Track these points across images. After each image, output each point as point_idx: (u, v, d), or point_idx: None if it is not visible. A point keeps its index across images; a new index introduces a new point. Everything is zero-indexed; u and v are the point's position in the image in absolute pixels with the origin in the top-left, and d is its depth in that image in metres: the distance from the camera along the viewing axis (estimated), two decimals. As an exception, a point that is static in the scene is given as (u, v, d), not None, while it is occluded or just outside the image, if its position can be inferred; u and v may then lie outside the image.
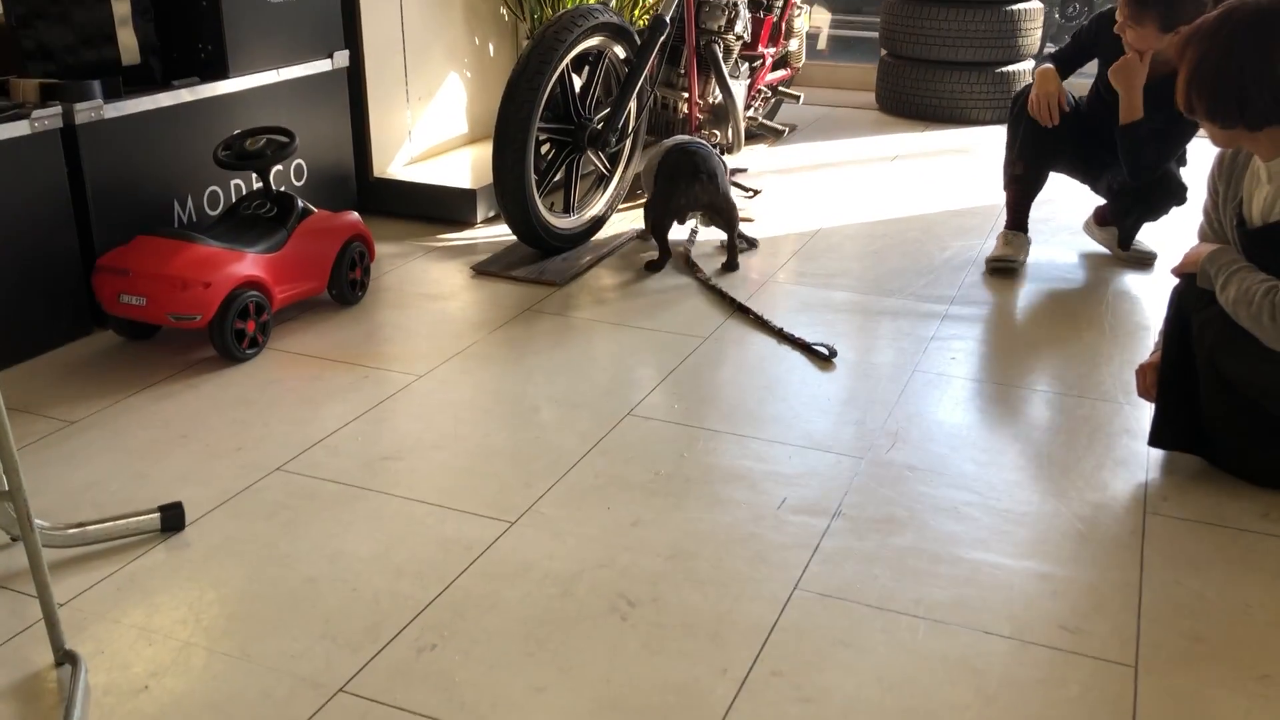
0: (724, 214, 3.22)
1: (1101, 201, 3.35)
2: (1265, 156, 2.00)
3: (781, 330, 2.77)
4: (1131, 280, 3.16)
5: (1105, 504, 2.05)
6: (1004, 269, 3.21)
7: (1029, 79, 3.39)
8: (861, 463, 2.19)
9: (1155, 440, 2.18)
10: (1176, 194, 3.12)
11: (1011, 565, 1.86)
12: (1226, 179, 2.12)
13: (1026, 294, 3.07)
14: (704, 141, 3.24)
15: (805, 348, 2.69)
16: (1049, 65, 3.14)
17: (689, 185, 3.15)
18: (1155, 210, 3.16)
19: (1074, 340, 2.75)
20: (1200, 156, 2.70)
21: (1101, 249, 3.37)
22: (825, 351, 2.65)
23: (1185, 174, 3.15)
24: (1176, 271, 2.17)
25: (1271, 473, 2.09)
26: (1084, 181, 3.33)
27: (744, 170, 3.31)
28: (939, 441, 2.27)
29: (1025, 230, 3.29)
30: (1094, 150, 3.17)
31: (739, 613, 1.74)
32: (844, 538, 1.94)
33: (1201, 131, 2.04)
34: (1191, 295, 2.11)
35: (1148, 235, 3.35)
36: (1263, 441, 2.07)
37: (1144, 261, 3.25)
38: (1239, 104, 1.93)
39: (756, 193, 3.91)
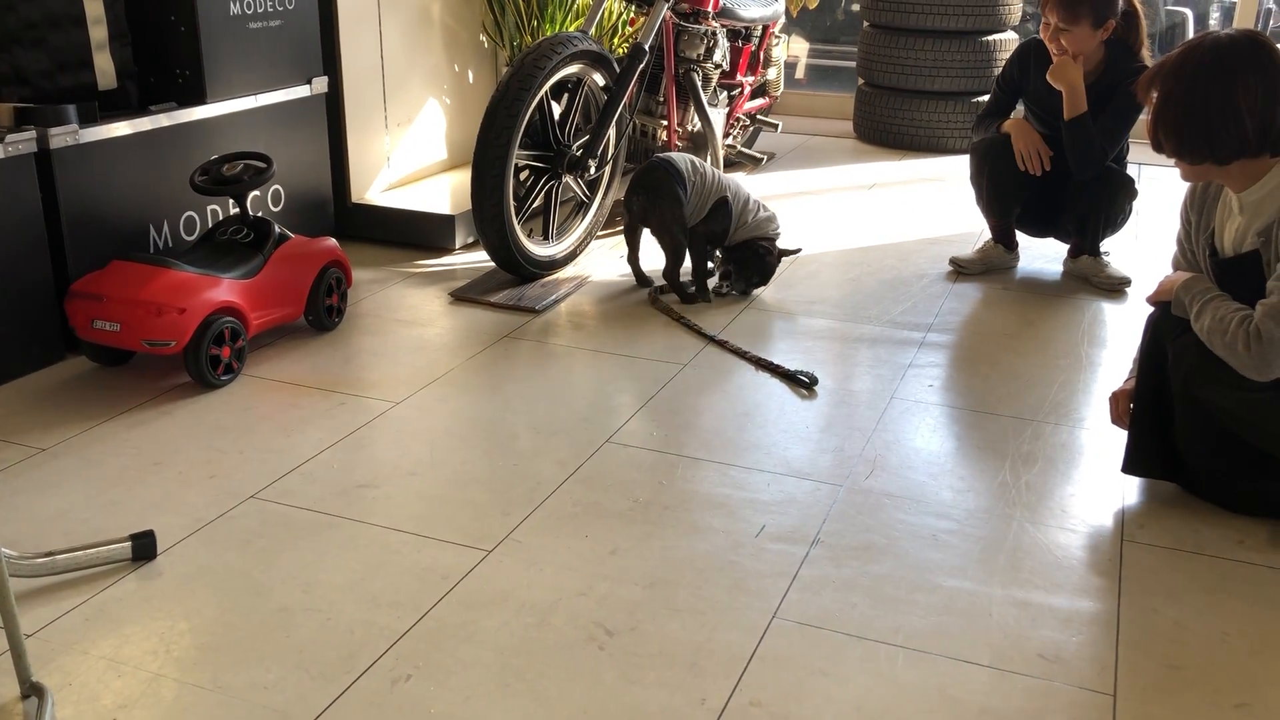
0: (661, 236, 3.15)
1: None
2: (1236, 188, 2.03)
3: (760, 359, 2.77)
4: (1108, 308, 3.19)
5: (1082, 532, 2.06)
6: (959, 269, 3.45)
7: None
8: (840, 490, 2.18)
9: (1128, 468, 2.19)
10: (1125, 187, 3.23)
11: (990, 593, 1.86)
12: (1199, 210, 2.14)
13: (1003, 321, 3.08)
14: (687, 160, 3.19)
15: (785, 376, 2.68)
16: (1011, 119, 3.32)
17: (631, 194, 3.17)
18: (1110, 207, 3.23)
19: (1051, 367, 2.76)
20: (1162, 178, 2.73)
21: (1079, 278, 3.40)
22: (805, 380, 2.65)
23: (1134, 176, 3.30)
24: (1152, 300, 2.19)
25: (1249, 502, 2.09)
26: (1045, 232, 3.46)
27: (797, 251, 3.29)
28: (917, 469, 2.27)
29: (1007, 245, 3.44)
30: (1050, 190, 3.30)
31: (717, 642, 1.72)
32: (823, 566, 1.93)
33: (1145, 123, 2.09)
34: (1167, 323, 2.13)
35: (1123, 262, 3.38)
36: (1240, 471, 2.08)
37: (1119, 289, 3.28)
38: (1206, 140, 1.94)
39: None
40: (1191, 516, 2.10)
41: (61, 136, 2.59)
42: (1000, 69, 3.50)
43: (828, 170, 4.72)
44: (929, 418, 2.50)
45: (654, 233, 3.17)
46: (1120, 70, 3.10)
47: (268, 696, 1.59)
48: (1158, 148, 2.02)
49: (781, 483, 2.21)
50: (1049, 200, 3.32)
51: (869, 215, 4.05)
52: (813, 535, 2.02)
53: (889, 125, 5.05)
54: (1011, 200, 3.35)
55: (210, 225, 2.97)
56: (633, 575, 1.89)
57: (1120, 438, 2.26)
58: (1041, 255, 3.60)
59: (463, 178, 3.92)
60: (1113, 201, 3.23)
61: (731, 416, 2.49)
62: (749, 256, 3.19)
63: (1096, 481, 2.23)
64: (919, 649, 1.72)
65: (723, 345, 2.87)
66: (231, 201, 2.90)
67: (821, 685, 1.63)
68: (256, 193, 3.15)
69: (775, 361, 2.75)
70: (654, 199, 3.12)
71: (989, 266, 3.45)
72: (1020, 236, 3.49)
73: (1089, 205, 3.23)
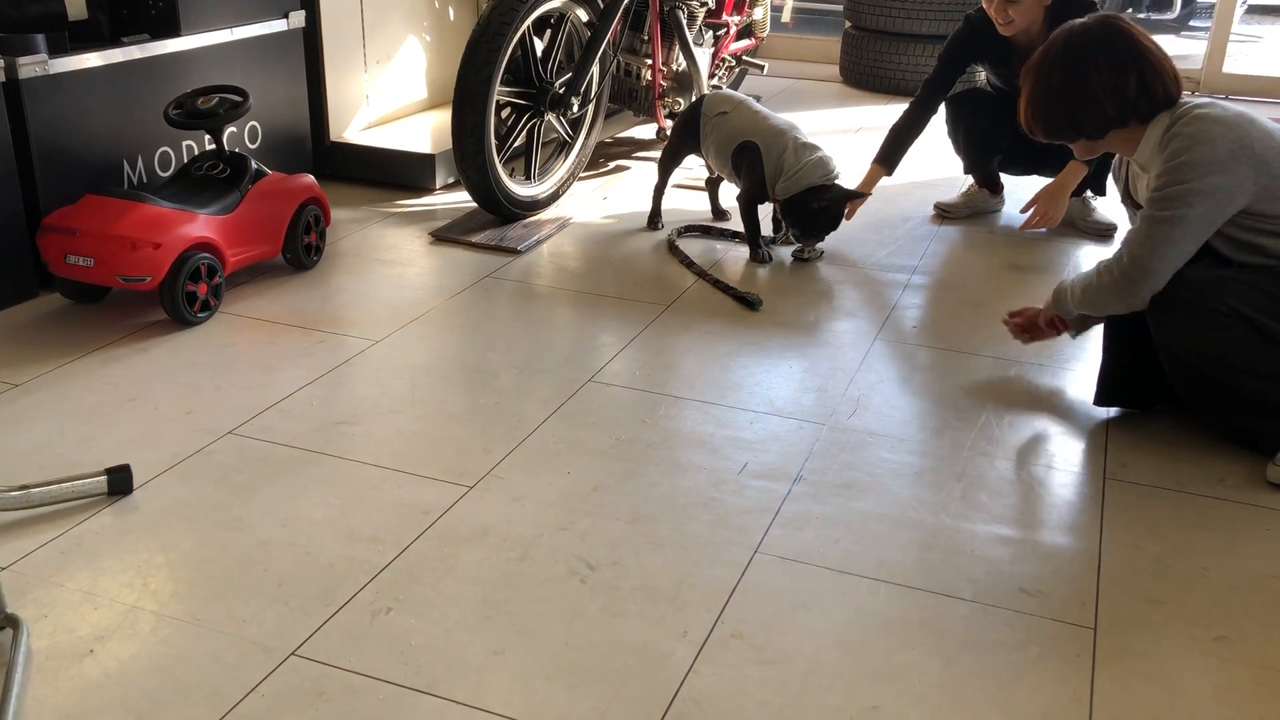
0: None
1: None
2: (1127, 154, 2.12)
3: (707, 274, 2.89)
4: (1092, 251, 3.17)
5: (1065, 469, 2.06)
6: (943, 213, 3.45)
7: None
8: (823, 429, 2.18)
9: (1101, 400, 2.23)
10: None
11: (972, 529, 1.86)
12: (1119, 171, 2.26)
13: (987, 265, 3.07)
14: (721, 97, 3.15)
15: (734, 296, 2.76)
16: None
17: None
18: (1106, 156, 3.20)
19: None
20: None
21: (1065, 223, 3.38)
22: (751, 300, 2.71)
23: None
24: (1033, 337, 2.36)
25: (1238, 436, 2.10)
26: (1030, 171, 3.41)
27: (863, 196, 3.15)
28: (900, 408, 2.26)
29: (992, 189, 3.44)
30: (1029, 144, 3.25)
31: (699, 576, 1.72)
32: (805, 502, 1.93)
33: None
34: None
35: (1107, 208, 3.36)
36: (1223, 407, 2.09)
37: (1104, 233, 3.27)
38: (1070, 123, 2.07)
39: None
40: (1173, 455, 2.10)
41: (30, 66, 2.52)
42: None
43: (814, 113, 4.67)
44: (913, 358, 2.49)
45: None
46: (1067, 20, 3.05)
47: (246, 629, 1.57)
48: (1033, 135, 2.13)
49: (764, 421, 2.20)
50: (1030, 141, 3.29)
51: (855, 159, 4.01)
52: (795, 472, 2.02)
53: (876, 69, 4.99)
54: (991, 151, 3.33)
55: (185, 160, 2.91)
56: (615, 511, 1.88)
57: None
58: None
59: (443, 117, 3.86)
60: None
61: (715, 357, 2.47)
62: (804, 214, 2.91)
63: (1079, 421, 2.23)
64: (901, 583, 1.72)
65: (672, 251, 3.05)
66: (207, 136, 2.85)
67: (803, 618, 1.63)
68: (233, 128, 3.09)
69: (725, 282, 2.84)
70: (671, 133, 3.25)
71: (974, 210, 3.44)
72: (1006, 179, 3.47)
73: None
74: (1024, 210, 3.09)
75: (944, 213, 3.43)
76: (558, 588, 1.68)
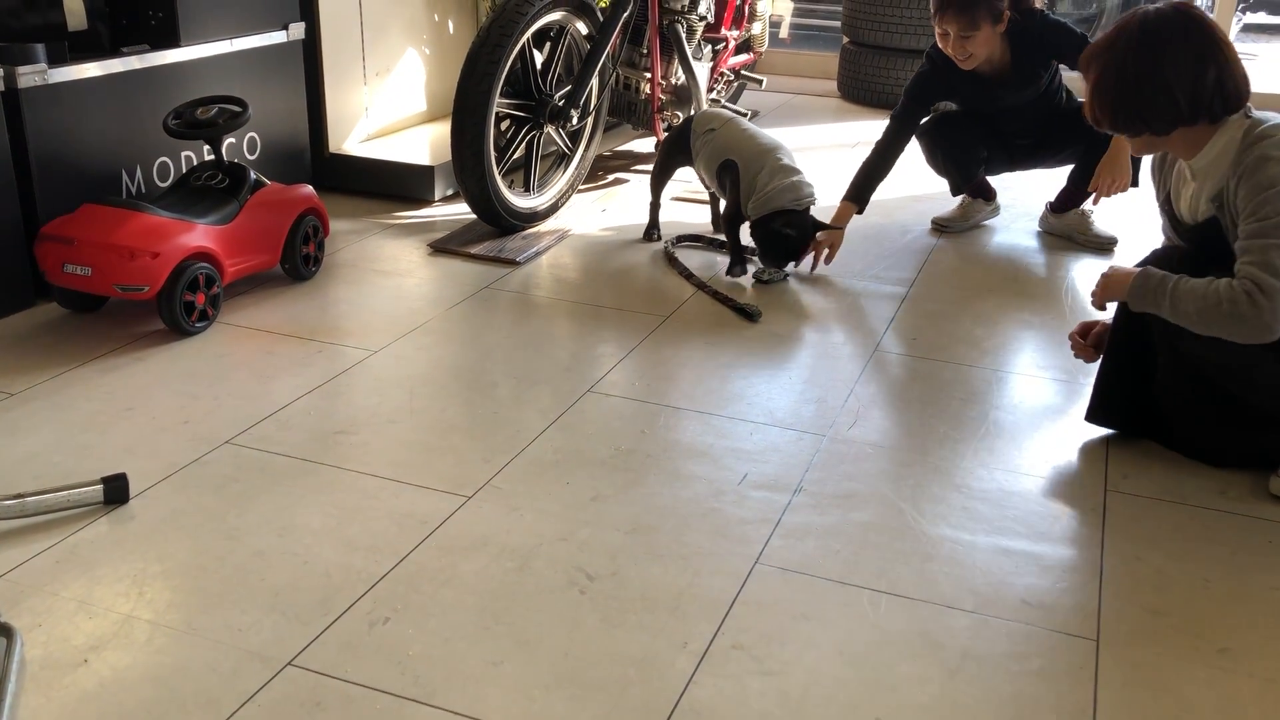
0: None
1: (1054, 192, 3.39)
2: (1185, 156, 2.02)
3: (705, 285, 2.90)
4: (1092, 265, 3.17)
5: (1066, 482, 2.05)
6: (941, 227, 3.42)
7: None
8: (823, 440, 2.17)
9: (1091, 416, 2.21)
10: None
11: (973, 541, 1.85)
12: (1158, 178, 2.17)
13: (987, 277, 3.07)
14: (711, 114, 3.18)
15: (734, 308, 2.77)
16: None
17: None
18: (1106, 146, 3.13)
19: (1034, 322, 2.75)
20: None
21: (1063, 236, 3.38)
22: (750, 312, 2.72)
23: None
24: (1099, 302, 2.15)
25: (1227, 453, 2.09)
26: (1015, 166, 3.37)
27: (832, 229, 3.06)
28: (900, 420, 2.26)
29: (985, 197, 3.43)
30: (1008, 136, 3.27)
31: (699, 587, 1.71)
32: (805, 513, 1.92)
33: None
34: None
35: (1107, 221, 3.36)
36: (1220, 420, 2.07)
37: (1104, 247, 3.27)
38: (1139, 114, 1.95)
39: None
40: (1175, 468, 2.09)
41: (30, 76, 2.52)
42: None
43: (812, 128, 4.68)
44: (912, 370, 2.49)
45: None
46: (1030, 38, 3.02)
47: (243, 638, 1.56)
48: (1097, 125, 2.02)
49: (764, 432, 2.19)
50: (1008, 145, 3.29)
51: (853, 173, 4.01)
52: (795, 483, 2.01)
53: (874, 84, 5.01)
54: (974, 165, 3.29)
55: (184, 171, 2.90)
56: (614, 521, 1.87)
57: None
58: (1025, 214, 3.58)
59: (442, 130, 3.86)
60: (1095, 159, 3.12)
61: (714, 368, 2.46)
62: (765, 237, 2.89)
63: (1080, 433, 2.22)
64: (902, 594, 1.71)
65: (670, 262, 3.06)
66: (206, 147, 2.85)
67: (804, 629, 1.62)
68: (231, 139, 3.08)
69: (724, 294, 2.85)
70: (660, 148, 3.33)
71: (972, 222, 3.43)
72: (994, 180, 3.47)
73: (1089, 148, 3.10)
74: (1091, 189, 3.05)
75: (942, 228, 3.42)
76: (557, 598, 1.67)
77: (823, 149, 4.34)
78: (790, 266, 3.01)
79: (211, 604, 1.63)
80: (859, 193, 3.15)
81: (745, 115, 4.29)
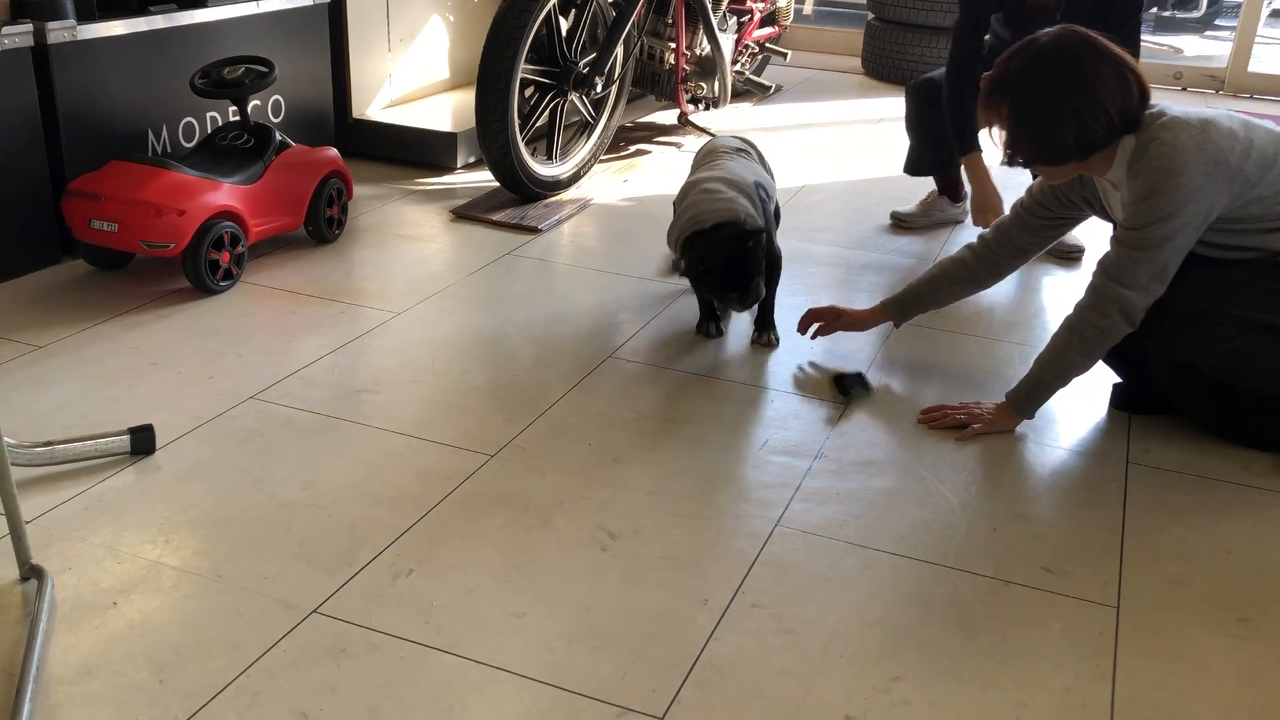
0: None
1: None
2: (1101, 173, 1.98)
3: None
4: (1060, 277, 3.15)
5: (1088, 454, 2.05)
6: (898, 222, 3.23)
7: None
8: (844, 408, 2.17)
9: (1117, 404, 2.21)
10: None
11: (995, 509, 1.85)
12: (1080, 185, 2.09)
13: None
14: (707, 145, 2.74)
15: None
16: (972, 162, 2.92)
17: None
18: None
19: (1058, 300, 2.74)
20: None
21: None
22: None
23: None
24: (965, 437, 2.07)
25: (1251, 438, 2.08)
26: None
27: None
28: (922, 390, 2.26)
29: (953, 198, 3.24)
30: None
31: (720, 547, 1.72)
32: (826, 479, 1.92)
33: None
34: None
35: (1076, 230, 3.27)
36: (1234, 410, 2.07)
37: (1070, 255, 3.04)
38: (1078, 142, 1.87)
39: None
40: (1197, 443, 2.09)
41: (59, 32, 2.53)
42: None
43: (835, 104, 4.66)
44: (934, 343, 2.48)
45: None
46: None
47: (268, 586, 1.58)
48: (1016, 163, 1.95)
49: (785, 399, 2.20)
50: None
51: (876, 149, 4.00)
52: (817, 449, 2.01)
53: (898, 61, 4.98)
54: (945, 159, 3.08)
55: (210, 131, 2.91)
56: (635, 482, 1.88)
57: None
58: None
59: (465, 97, 3.86)
60: None
61: (735, 336, 2.46)
62: (699, 267, 2.31)
63: (1102, 407, 2.21)
64: (922, 559, 1.71)
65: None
66: (232, 107, 2.85)
67: (824, 590, 1.63)
68: (256, 101, 3.09)
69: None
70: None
71: (932, 220, 3.23)
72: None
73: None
74: (979, 225, 2.78)
75: (900, 223, 3.22)
76: (579, 554, 1.68)
77: (847, 124, 4.32)
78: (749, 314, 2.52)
79: (237, 553, 1.65)
80: (971, 139, 2.88)
81: (770, 87, 4.26)
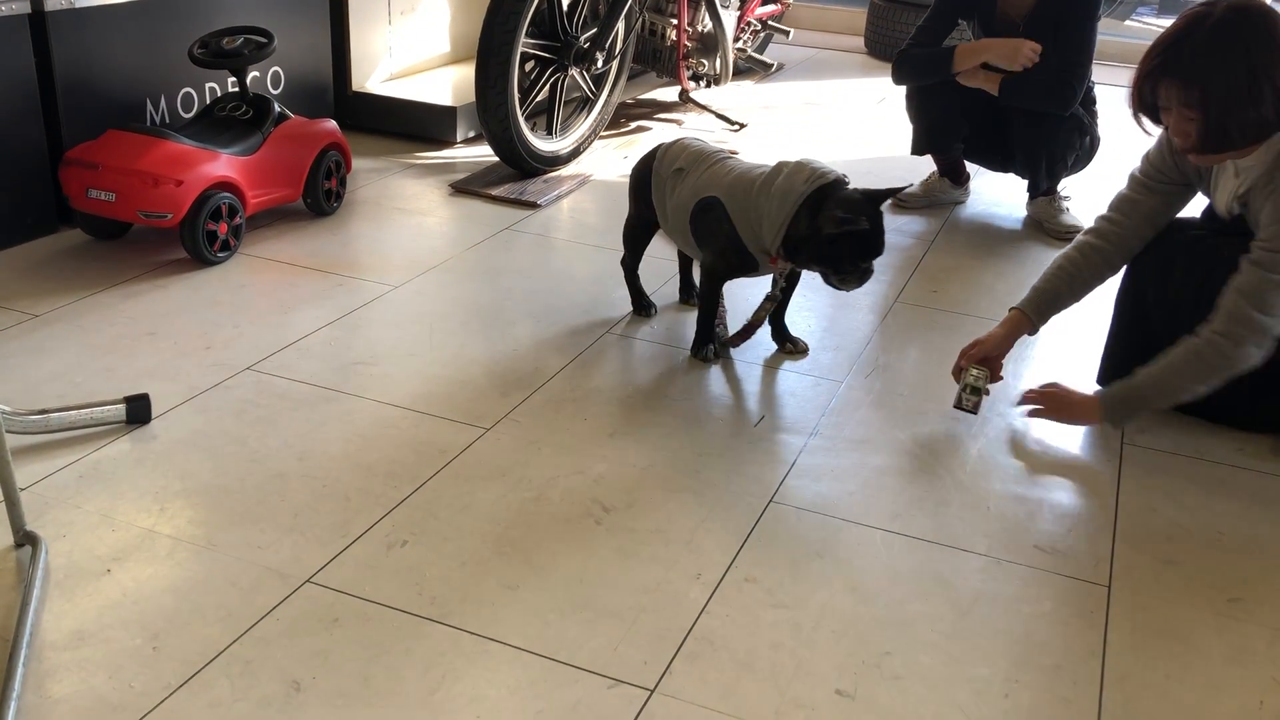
0: None
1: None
2: (1238, 156, 1.89)
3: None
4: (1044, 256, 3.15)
5: (1083, 434, 2.05)
6: (898, 202, 3.19)
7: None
8: (840, 386, 2.17)
9: (1103, 382, 2.17)
10: (1071, 122, 2.93)
11: (987, 487, 1.85)
12: (1170, 157, 2.03)
13: (1011, 234, 3.05)
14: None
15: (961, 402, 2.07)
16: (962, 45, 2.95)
17: None
18: (1053, 144, 2.94)
19: (1056, 279, 2.74)
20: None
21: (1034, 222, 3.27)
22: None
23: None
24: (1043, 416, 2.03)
25: (1250, 419, 2.06)
26: (1005, 167, 3.16)
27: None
28: (918, 368, 2.26)
29: (955, 181, 3.23)
30: (1002, 120, 3.00)
31: (714, 521, 1.72)
32: (820, 456, 1.92)
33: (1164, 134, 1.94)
34: (1149, 267, 2.08)
35: (1079, 209, 3.24)
36: (1239, 392, 2.05)
37: (1064, 237, 2.99)
38: (1275, 115, 1.75)
39: (742, 126, 3.86)
40: (1192, 425, 2.09)
41: (57, -1, 2.51)
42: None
43: (837, 83, 4.64)
44: (932, 322, 2.48)
45: None
46: None
47: (263, 555, 1.58)
48: (1190, 152, 1.85)
49: (782, 377, 2.20)
50: (1003, 131, 3.02)
51: (877, 129, 3.99)
52: (812, 427, 2.01)
53: (901, 41, 4.94)
54: (949, 135, 3.09)
55: (208, 101, 2.90)
56: (630, 457, 1.88)
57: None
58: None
59: (464, 72, 3.84)
60: (1054, 138, 2.92)
61: (732, 313, 2.46)
62: (824, 243, 2.04)
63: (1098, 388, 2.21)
64: (915, 536, 1.71)
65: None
66: (231, 78, 2.84)
67: (816, 566, 1.63)
68: (255, 72, 3.07)
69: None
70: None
71: (933, 200, 3.20)
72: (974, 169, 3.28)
73: (1032, 142, 2.96)
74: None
75: (901, 202, 3.19)
76: (573, 527, 1.69)
77: (849, 104, 4.31)
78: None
79: (232, 522, 1.65)
80: (945, 62, 2.93)
81: (772, 65, 4.25)
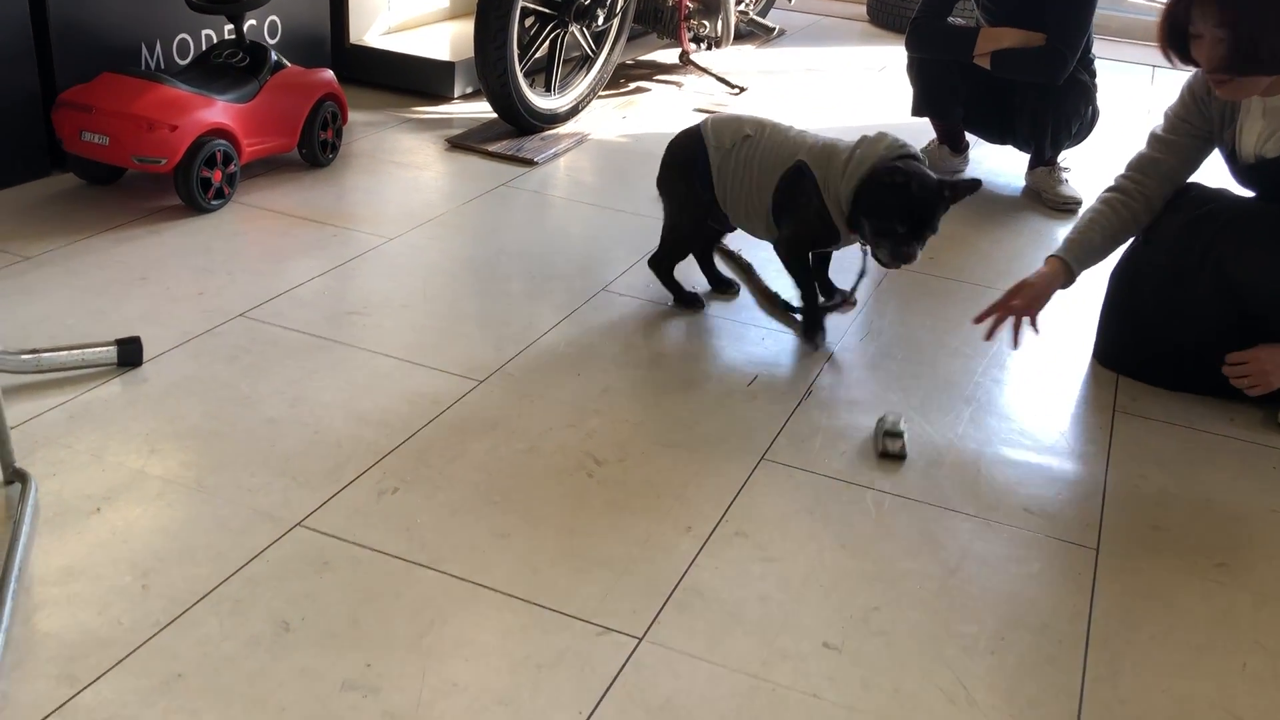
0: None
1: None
2: (1267, 93, 1.91)
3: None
4: (1058, 229, 3.14)
5: (1075, 401, 2.05)
6: None
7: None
8: (835, 349, 2.17)
9: (1100, 358, 2.18)
10: (1078, 89, 2.91)
11: (978, 450, 1.86)
12: (1220, 106, 2.03)
13: (1009, 204, 3.04)
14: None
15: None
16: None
17: None
18: (1059, 112, 2.92)
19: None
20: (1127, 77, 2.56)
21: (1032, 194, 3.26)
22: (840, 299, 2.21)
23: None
24: (1258, 392, 1.99)
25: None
26: (1003, 139, 3.14)
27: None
28: (912, 333, 2.25)
29: (955, 149, 3.21)
30: (1003, 91, 2.98)
31: (705, 477, 1.72)
32: (813, 415, 1.92)
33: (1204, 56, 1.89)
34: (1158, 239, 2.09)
35: (1077, 180, 3.23)
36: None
37: (1069, 208, 3.00)
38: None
39: (742, 89, 3.84)
40: (1184, 394, 2.09)
41: (51, -62, 2.47)
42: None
43: (838, 50, 4.61)
44: (927, 288, 2.48)
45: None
46: None
47: (253, 499, 1.58)
48: (1222, 77, 1.84)
49: (775, 338, 2.19)
50: (1003, 102, 2.99)
51: (878, 96, 3.97)
52: (805, 388, 2.01)
53: (904, 9, 4.91)
54: (948, 100, 3.04)
55: (204, 48, 2.87)
56: (624, 412, 1.88)
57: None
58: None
59: (463, 27, 3.79)
60: (1061, 105, 2.89)
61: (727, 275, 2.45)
62: (869, 197, 2.04)
63: (1090, 355, 2.22)
64: (905, 495, 1.72)
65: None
66: (228, 25, 2.80)
67: (806, 522, 1.64)
68: (253, 20, 3.04)
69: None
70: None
71: (931, 169, 3.19)
72: (974, 141, 3.24)
73: (1036, 111, 2.94)
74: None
75: None
76: (564, 479, 1.69)
77: (850, 71, 4.28)
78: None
79: (223, 465, 1.65)
80: (966, 42, 2.91)
81: (774, 30, 4.21)
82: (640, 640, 1.38)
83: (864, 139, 2.09)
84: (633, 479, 1.70)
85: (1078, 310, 2.39)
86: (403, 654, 1.32)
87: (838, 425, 1.90)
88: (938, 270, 2.56)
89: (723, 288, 2.36)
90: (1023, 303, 2.03)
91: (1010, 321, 2.03)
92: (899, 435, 1.82)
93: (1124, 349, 2.15)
